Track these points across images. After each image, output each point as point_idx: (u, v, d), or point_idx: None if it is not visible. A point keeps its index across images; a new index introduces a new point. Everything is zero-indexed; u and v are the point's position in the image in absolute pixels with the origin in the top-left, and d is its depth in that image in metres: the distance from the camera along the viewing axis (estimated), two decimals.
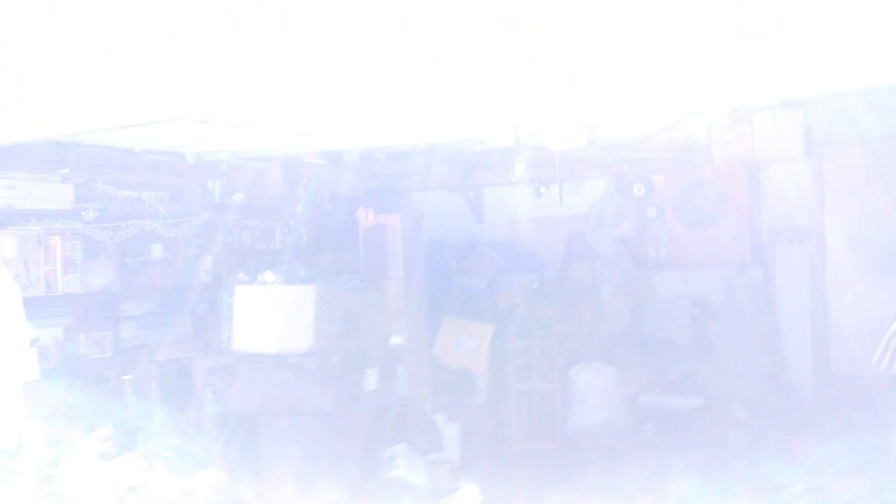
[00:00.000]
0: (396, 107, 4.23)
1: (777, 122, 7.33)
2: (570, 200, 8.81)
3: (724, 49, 3.34)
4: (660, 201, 8.64)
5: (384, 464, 5.61)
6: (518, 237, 9.15)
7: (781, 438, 7.15)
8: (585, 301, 8.73)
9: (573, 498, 6.31)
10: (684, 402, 7.71)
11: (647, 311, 8.88)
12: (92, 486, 5.63)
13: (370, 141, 5.50)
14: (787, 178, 8.08)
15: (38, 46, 2.91)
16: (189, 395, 6.89)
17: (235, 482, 5.91)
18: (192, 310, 7.27)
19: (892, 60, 3.83)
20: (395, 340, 6.49)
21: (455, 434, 6.42)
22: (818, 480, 5.82)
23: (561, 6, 2.61)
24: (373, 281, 6.00)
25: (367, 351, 5.28)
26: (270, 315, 5.06)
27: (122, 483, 5.55)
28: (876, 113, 6.85)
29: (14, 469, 5.33)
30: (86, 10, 2.52)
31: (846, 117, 7.14)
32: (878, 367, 4.39)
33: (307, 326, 4.94)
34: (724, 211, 8.41)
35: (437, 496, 5.91)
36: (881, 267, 7.20)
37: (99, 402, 6.36)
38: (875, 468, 5.55)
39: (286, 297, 5.06)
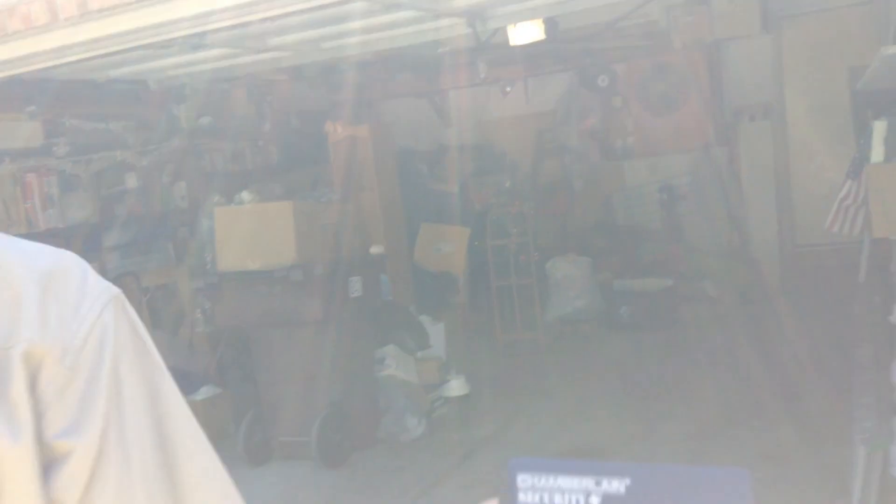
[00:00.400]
0: (351, 14, 4.28)
1: (734, 1, 7.39)
2: (536, 98, 8.90)
3: None
4: (624, 90, 8.75)
5: (376, 364, 5.88)
6: (487, 139, 9.27)
7: (749, 310, 7.52)
8: (557, 196, 8.94)
9: (553, 380, 6.67)
10: (657, 283, 8.03)
11: (618, 200, 9.11)
12: None
13: (330, 52, 5.52)
14: (747, 55, 8.20)
15: None
16: (179, 318, 7.10)
17: (232, 393, 6.20)
18: (172, 235, 7.40)
19: None
20: (375, 249, 6.66)
21: (440, 332, 6.70)
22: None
23: None
24: (347, 193, 6.14)
25: (349, 260, 5.45)
26: (252, 233, 5.20)
27: None
28: None
29: None
30: None
31: None
32: (831, 230, 4.62)
33: (289, 240, 5.10)
34: (687, 94, 8.54)
35: (428, 390, 6.24)
36: (840, 135, 7.39)
37: None
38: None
39: (265, 215, 5.20)
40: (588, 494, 0.46)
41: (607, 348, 7.40)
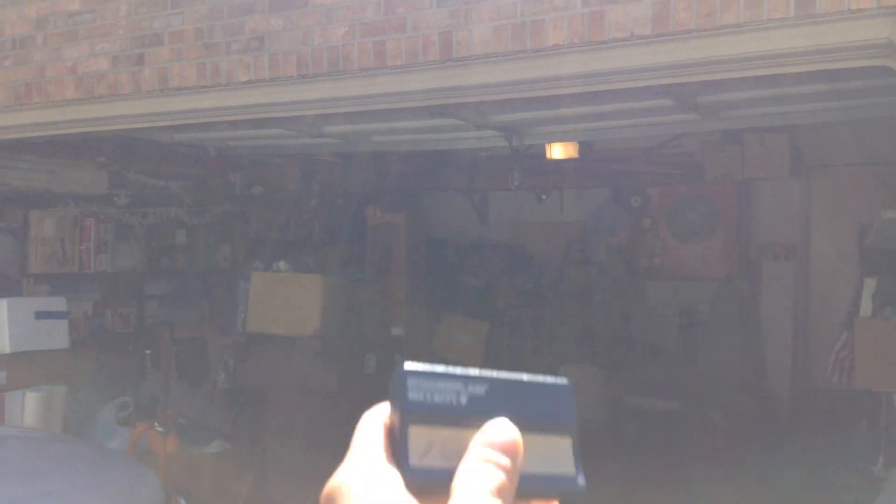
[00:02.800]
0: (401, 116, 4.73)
1: (765, 145, 7.78)
2: (570, 208, 9.32)
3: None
4: (654, 213, 9.11)
5: None
6: (519, 241, 9.64)
7: (754, 446, 7.59)
8: (579, 305, 9.21)
9: None
10: (665, 404, 8.17)
11: (638, 317, 9.35)
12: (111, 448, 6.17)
13: (378, 145, 5.99)
14: (776, 197, 8.54)
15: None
16: (204, 371, 7.44)
17: (241, 451, 6.45)
18: (209, 292, 7.82)
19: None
20: (396, 331, 6.99)
21: None
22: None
23: None
24: (376, 274, 6.52)
25: (368, 338, 5.78)
26: (282, 300, 5.58)
27: (139, 447, 6.07)
28: (860, 140, 7.30)
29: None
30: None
31: (833, 143, 7.57)
32: (831, 380, 4.82)
33: (314, 312, 5.45)
34: (714, 225, 8.86)
35: None
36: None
37: (121, 372, 6.88)
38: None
39: (296, 284, 5.58)
40: (458, 394, 0.60)
41: (608, 464, 7.48)
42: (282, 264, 5.71)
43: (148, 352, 7.16)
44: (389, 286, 6.97)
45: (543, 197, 8.65)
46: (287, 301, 5.54)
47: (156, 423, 5.70)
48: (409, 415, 0.61)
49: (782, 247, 8.56)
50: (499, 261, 9.29)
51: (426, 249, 7.93)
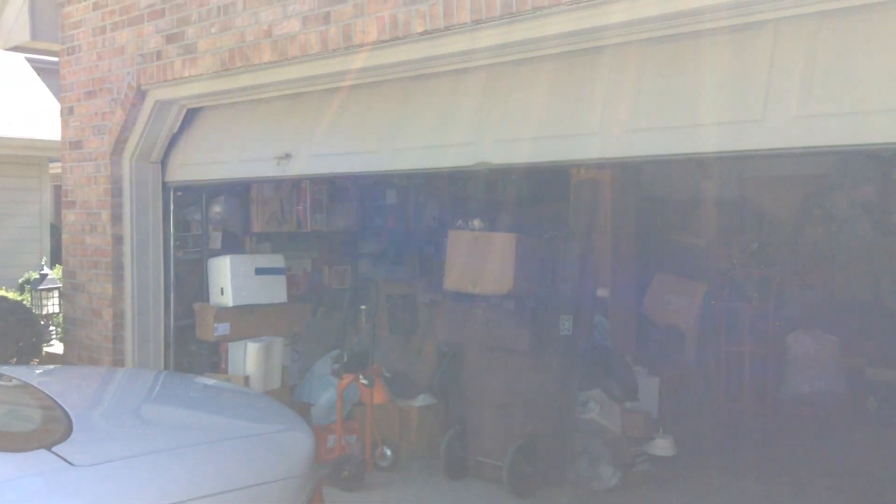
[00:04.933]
0: None
1: None
2: (807, 159, 8.38)
3: None
4: None
5: (579, 406, 5.90)
6: (748, 197, 8.86)
7: None
8: (816, 266, 8.31)
9: (772, 463, 6.22)
10: None
11: (889, 280, 8.27)
12: (325, 398, 6.51)
13: None
14: None
15: None
16: (414, 327, 7.61)
17: (444, 406, 6.53)
18: (419, 250, 7.97)
19: None
20: (601, 292, 6.69)
21: (654, 387, 6.54)
22: None
23: None
24: (574, 232, 6.24)
25: (564, 298, 5.56)
26: (476, 258, 5.49)
27: (350, 398, 6.34)
28: None
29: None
30: None
31: None
32: None
33: (507, 271, 5.31)
34: None
35: (631, 443, 6.11)
36: None
37: (336, 326, 7.21)
38: None
39: (490, 243, 5.47)
40: None
41: (842, 441, 6.73)
42: (476, 222, 5.62)
43: (362, 307, 7.44)
44: (594, 245, 6.66)
45: None
46: (481, 259, 5.45)
47: (361, 377, 5.88)
48: None
49: None
50: (722, 218, 8.60)
51: (640, 207, 7.49)
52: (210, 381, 4.09)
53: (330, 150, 4.90)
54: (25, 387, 2.88)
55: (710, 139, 3.40)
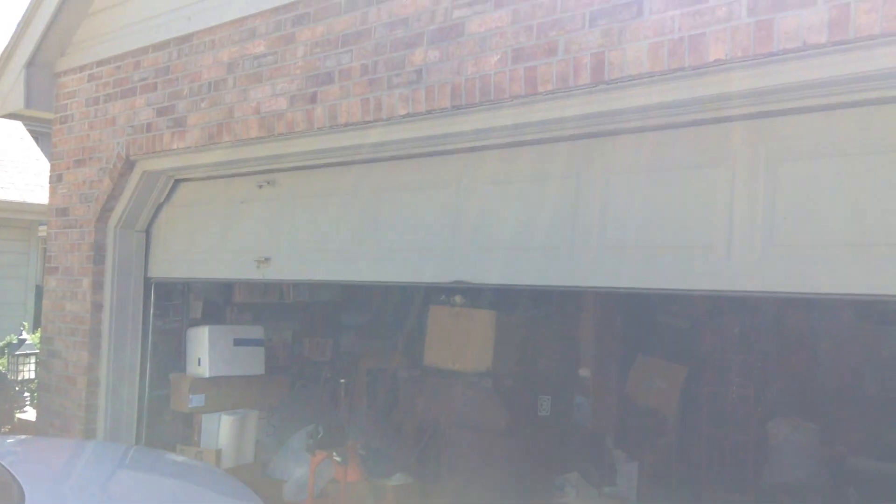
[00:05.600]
0: None
1: None
2: None
3: None
4: None
5: (555, 489, 5.82)
6: None
7: None
8: (798, 352, 8.31)
9: None
10: (892, 467, 7.11)
11: (869, 368, 8.26)
12: (298, 475, 6.40)
13: None
14: None
15: None
16: (394, 402, 7.54)
17: (420, 487, 6.42)
18: (402, 325, 7.95)
19: None
20: (583, 372, 6.67)
21: (634, 472, 6.47)
22: None
23: None
24: (556, 312, 6.27)
25: (544, 378, 5.55)
26: (456, 334, 5.51)
27: (324, 475, 6.24)
28: None
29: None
30: None
31: None
32: None
33: (486, 348, 5.33)
34: None
35: None
36: None
37: (315, 400, 7.15)
38: None
39: (470, 319, 5.49)
40: None
41: None
42: (458, 298, 5.66)
43: (343, 381, 7.38)
44: (575, 325, 6.68)
45: None
46: (460, 336, 5.47)
47: (335, 454, 5.81)
48: None
49: None
50: (706, 301, 8.63)
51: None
52: (177, 458, 4.03)
53: (308, 250, 4.99)
54: None
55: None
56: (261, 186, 5.31)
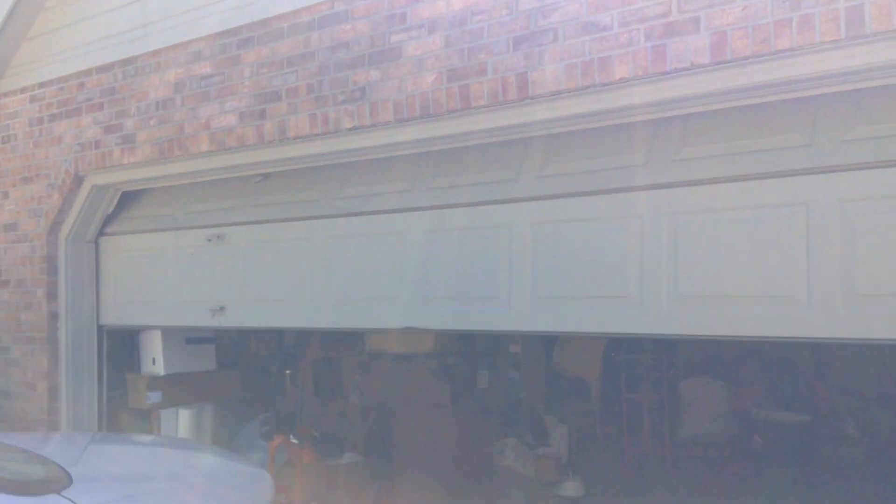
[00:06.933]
0: None
1: None
2: None
3: None
4: None
5: (496, 453, 6.43)
6: None
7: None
8: None
9: (668, 499, 6.86)
10: (795, 417, 8.01)
11: None
12: (254, 460, 6.80)
13: None
14: None
15: None
16: (338, 389, 8.00)
17: (371, 462, 6.92)
18: None
19: None
20: (514, 349, 7.28)
21: (564, 434, 7.14)
22: None
23: None
24: None
25: (481, 355, 6.12)
26: None
27: (279, 459, 6.66)
28: None
29: None
30: None
31: None
32: None
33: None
34: None
35: (544, 486, 6.66)
36: None
37: (264, 391, 7.54)
38: None
39: None
40: None
41: (732, 477, 7.46)
42: None
43: (288, 372, 7.79)
44: None
45: None
46: None
47: (292, 437, 6.25)
48: None
49: None
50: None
51: None
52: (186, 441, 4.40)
53: (263, 299, 5.32)
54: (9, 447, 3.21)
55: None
56: (210, 240, 5.56)
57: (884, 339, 3.19)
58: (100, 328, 6.37)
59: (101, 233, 6.30)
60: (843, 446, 7.76)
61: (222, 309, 5.47)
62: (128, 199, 6.23)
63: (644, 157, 3.88)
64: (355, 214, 4.84)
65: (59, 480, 2.66)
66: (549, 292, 4.09)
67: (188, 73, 5.24)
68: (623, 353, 8.13)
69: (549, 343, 8.10)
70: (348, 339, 8.41)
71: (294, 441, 6.17)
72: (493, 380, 6.12)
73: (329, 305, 4.95)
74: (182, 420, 6.51)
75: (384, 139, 4.48)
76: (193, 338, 6.85)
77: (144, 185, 5.93)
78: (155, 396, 6.57)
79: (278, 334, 8.23)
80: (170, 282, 5.86)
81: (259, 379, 7.71)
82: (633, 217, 3.85)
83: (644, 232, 3.80)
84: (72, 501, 2.47)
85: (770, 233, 3.45)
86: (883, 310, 3.17)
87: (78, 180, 5.97)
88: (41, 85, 6.12)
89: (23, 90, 6.24)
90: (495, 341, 6.50)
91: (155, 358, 6.59)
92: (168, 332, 6.63)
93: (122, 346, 6.74)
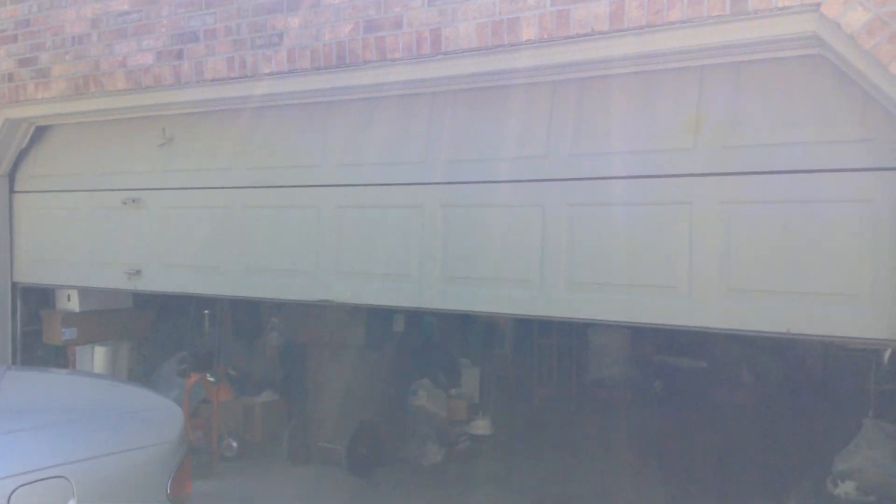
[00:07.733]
0: None
1: None
2: None
3: None
4: None
5: (410, 394, 6.69)
6: None
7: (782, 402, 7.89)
8: None
9: (573, 435, 7.29)
10: (693, 363, 8.52)
11: None
12: (171, 397, 6.91)
13: None
14: None
15: None
16: (257, 331, 8.12)
17: (288, 400, 7.11)
18: None
19: None
20: None
21: (476, 376, 7.45)
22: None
23: None
24: None
25: None
26: None
27: (196, 396, 6.78)
28: None
29: None
30: None
31: None
32: None
33: None
34: None
35: (455, 425, 6.97)
36: None
37: (181, 330, 7.60)
38: None
39: None
40: None
41: (633, 417, 7.92)
42: None
43: (206, 312, 7.85)
44: None
45: None
46: None
47: (208, 375, 6.37)
48: None
49: None
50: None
51: None
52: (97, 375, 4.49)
53: (178, 262, 5.40)
54: None
55: None
56: (125, 203, 5.60)
57: (753, 331, 3.50)
58: (14, 286, 6.34)
59: (13, 190, 6.23)
60: (737, 391, 8.31)
61: (138, 272, 5.53)
62: (42, 146, 6.15)
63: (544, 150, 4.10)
64: (269, 187, 4.94)
65: None
66: (457, 272, 4.31)
67: (105, 8, 5.18)
68: None
69: None
70: None
71: (211, 379, 6.30)
72: (408, 323, 6.33)
73: (246, 274, 5.06)
74: (98, 357, 6.57)
75: (301, 86, 4.56)
76: None
77: (59, 120, 5.86)
78: (70, 333, 6.59)
79: None
80: (86, 242, 5.86)
81: (177, 318, 7.75)
82: (536, 206, 4.08)
83: (546, 220, 4.03)
84: None
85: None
86: (754, 304, 3.46)
87: None
88: None
89: None
90: None
91: (70, 294, 6.59)
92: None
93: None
